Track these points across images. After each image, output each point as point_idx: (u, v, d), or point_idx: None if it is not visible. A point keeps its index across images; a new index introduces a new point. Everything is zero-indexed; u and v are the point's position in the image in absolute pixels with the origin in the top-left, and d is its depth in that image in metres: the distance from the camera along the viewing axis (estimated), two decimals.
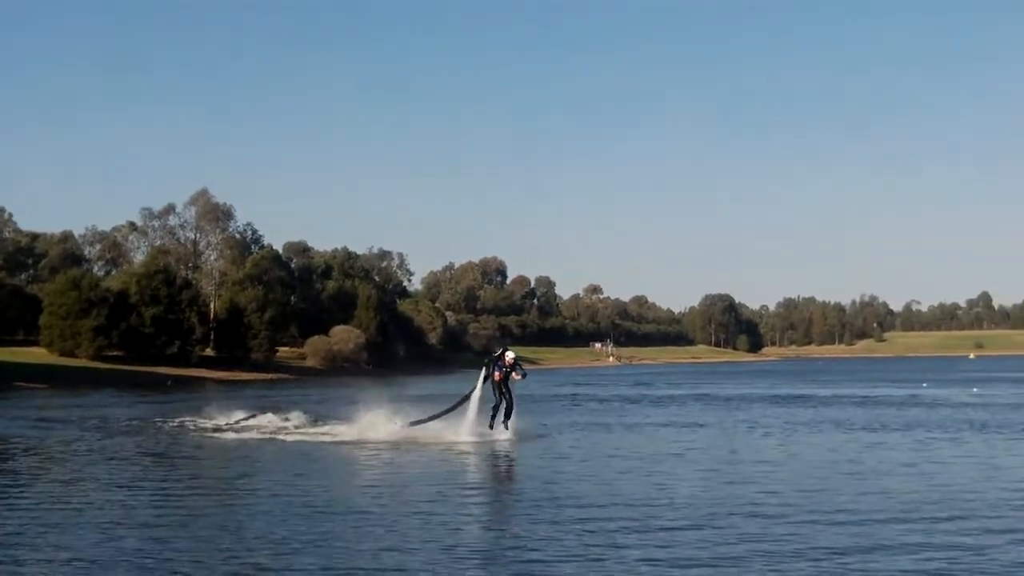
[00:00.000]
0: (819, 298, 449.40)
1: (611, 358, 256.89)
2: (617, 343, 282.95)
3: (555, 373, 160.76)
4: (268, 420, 43.73)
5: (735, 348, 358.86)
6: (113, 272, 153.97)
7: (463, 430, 36.79)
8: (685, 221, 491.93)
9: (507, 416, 36.76)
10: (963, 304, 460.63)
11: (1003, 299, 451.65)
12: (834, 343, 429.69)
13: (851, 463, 29.96)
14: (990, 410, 56.60)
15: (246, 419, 44.27)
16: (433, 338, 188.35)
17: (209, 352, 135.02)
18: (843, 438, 38.71)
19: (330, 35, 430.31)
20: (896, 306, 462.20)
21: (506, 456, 33.33)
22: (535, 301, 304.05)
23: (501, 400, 36.86)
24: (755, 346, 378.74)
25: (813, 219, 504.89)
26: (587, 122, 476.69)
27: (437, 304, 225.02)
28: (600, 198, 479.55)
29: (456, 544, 17.69)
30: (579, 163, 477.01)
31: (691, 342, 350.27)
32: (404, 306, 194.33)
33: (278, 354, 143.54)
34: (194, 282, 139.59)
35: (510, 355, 37.57)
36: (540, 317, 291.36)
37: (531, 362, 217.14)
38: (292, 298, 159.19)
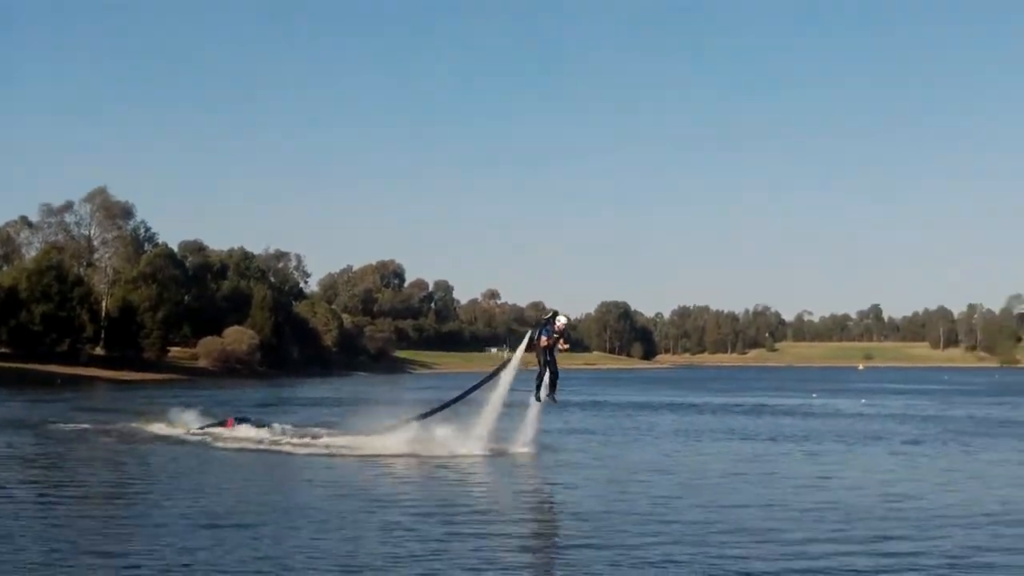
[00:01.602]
0: (713, 307, 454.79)
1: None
2: (514, 348, 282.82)
3: (451, 377, 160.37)
4: (244, 431, 40.93)
5: (630, 355, 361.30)
6: (3, 268, 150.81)
7: (480, 433, 35.01)
8: (582, 227, 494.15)
9: (552, 388, 34.39)
10: (854, 316, 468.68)
11: (893, 311, 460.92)
12: (727, 351, 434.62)
13: (734, 476, 30.46)
14: (877, 420, 57.79)
15: (211, 426, 42.38)
16: (328, 340, 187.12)
17: (99, 351, 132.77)
18: (731, 447, 39.36)
19: (218, 31, 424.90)
20: (788, 316, 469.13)
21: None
22: (433, 305, 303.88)
23: (545, 369, 34.28)
24: (649, 353, 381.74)
25: (708, 228, 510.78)
26: (486, 126, 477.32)
27: (334, 306, 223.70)
28: (499, 203, 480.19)
29: None
30: (478, 167, 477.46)
31: (586, 349, 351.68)
32: (300, 308, 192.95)
33: (170, 354, 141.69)
34: (87, 279, 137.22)
35: (562, 319, 34.70)
36: (437, 321, 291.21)
37: (427, 366, 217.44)
38: (186, 297, 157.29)
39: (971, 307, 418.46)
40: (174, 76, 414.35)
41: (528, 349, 35.46)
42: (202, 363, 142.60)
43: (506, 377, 35.81)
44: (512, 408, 36.19)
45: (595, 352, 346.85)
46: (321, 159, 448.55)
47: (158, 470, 30.19)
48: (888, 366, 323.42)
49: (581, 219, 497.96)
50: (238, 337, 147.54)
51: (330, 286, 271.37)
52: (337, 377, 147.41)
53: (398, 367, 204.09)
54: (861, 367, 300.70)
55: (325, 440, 37.51)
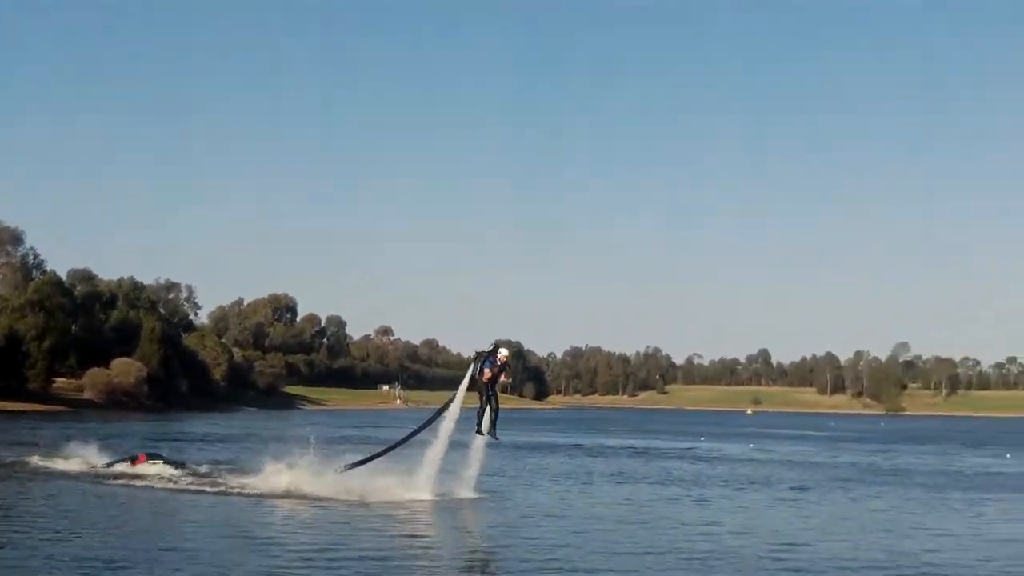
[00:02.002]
0: (605, 348, 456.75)
1: (399, 401, 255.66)
2: (406, 386, 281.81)
3: (342, 415, 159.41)
4: (157, 468, 39.43)
5: (521, 395, 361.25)
6: None
7: (427, 477, 34.08)
8: (476, 266, 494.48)
9: (492, 425, 33.90)
10: (743, 360, 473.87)
11: (781, 357, 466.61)
12: (618, 393, 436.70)
13: (626, 522, 30.49)
14: (765, 466, 58.33)
15: (120, 462, 40.81)
16: (218, 374, 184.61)
17: None
18: (622, 491, 39.41)
19: (107, 62, 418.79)
20: (679, 359, 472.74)
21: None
22: (325, 340, 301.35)
23: (487, 404, 33.83)
24: (541, 394, 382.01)
25: (601, 269, 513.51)
26: (379, 161, 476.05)
27: (224, 339, 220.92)
28: (392, 239, 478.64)
29: None
30: (372, 204, 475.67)
31: None
32: (189, 340, 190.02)
33: (55, 385, 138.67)
34: None
35: (504, 352, 34.27)
36: (329, 357, 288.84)
37: (317, 402, 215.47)
38: (73, 327, 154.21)
39: (858, 354, 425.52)
40: (64, 102, 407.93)
41: (471, 384, 34.72)
42: (88, 395, 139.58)
43: (451, 415, 35.10)
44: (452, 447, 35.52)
45: None
46: (214, 189, 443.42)
47: (54, 509, 29.19)
48: (776, 411, 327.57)
49: (475, 258, 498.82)
50: (125, 369, 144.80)
51: (221, 319, 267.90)
52: (225, 412, 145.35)
53: (288, 403, 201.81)
54: (750, 411, 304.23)
55: (245, 481, 36.21)
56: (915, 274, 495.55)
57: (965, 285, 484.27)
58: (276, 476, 35.35)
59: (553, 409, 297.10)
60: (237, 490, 34.50)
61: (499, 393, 34.33)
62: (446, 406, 35.67)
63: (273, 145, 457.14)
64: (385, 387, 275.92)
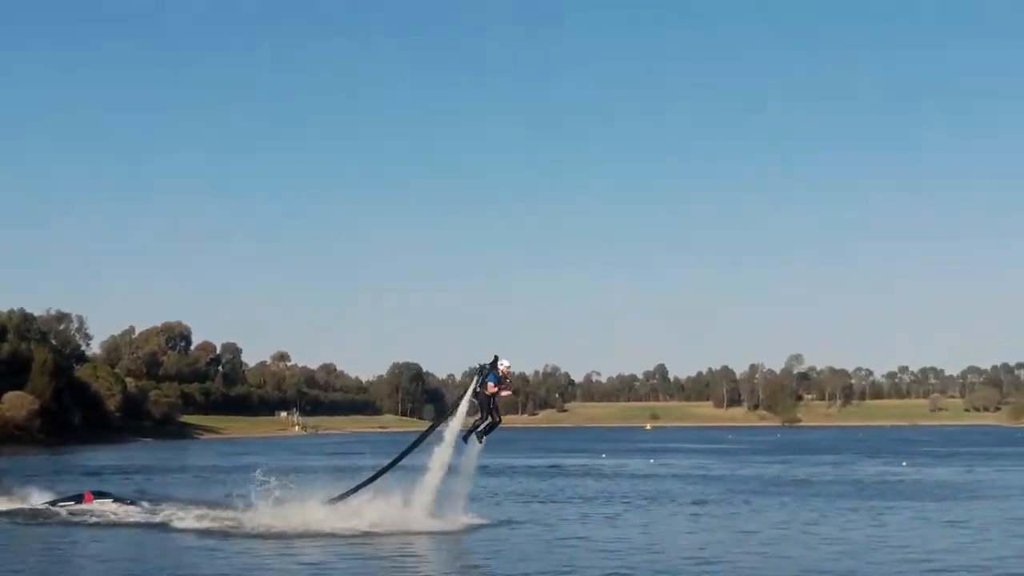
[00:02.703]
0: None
1: (297, 427, 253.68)
2: (304, 412, 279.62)
3: (240, 443, 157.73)
4: (107, 507, 37.55)
5: (422, 417, 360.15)
6: None
7: (426, 504, 33.21)
8: (373, 289, 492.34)
9: (486, 433, 33.14)
10: (641, 376, 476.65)
11: (678, 371, 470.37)
12: (518, 413, 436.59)
13: (536, 541, 30.50)
14: (667, 480, 58.78)
15: (64, 501, 38.80)
16: (112, 405, 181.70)
17: None
18: (528, 510, 39.42)
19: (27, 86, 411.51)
20: (577, 377, 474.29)
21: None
22: (220, 368, 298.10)
23: (487, 416, 33.03)
24: (441, 415, 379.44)
25: (497, 288, 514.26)
26: (273, 189, 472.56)
27: (117, 370, 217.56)
28: (288, 264, 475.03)
29: None
30: (265, 227, 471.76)
31: (378, 411, 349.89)
32: (82, 371, 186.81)
33: None
34: None
35: (505, 363, 33.42)
36: (225, 384, 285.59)
37: (214, 431, 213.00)
38: None
39: (753, 367, 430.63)
40: None
41: (474, 398, 33.80)
42: None
43: (449, 436, 34.08)
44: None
45: (387, 415, 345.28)
46: (103, 216, 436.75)
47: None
48: (674, 425, 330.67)
49: (372, 281, 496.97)
50: (17, 403, 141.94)
51: (113, 349, 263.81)
52: (120, 444, 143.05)
53: (184, 433, 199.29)
54: (649, 427, 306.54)
55: (232, 518, 34.51)
56: (807, 286, 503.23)
57: (856, 296, 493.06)
58: (271, 511, 33.68)
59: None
60: (233, 528, 32.83)
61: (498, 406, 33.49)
62: (432, 428, 35.19)
63: (161, 173, 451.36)
64: (283, 414, 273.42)
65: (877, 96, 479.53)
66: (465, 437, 33.41)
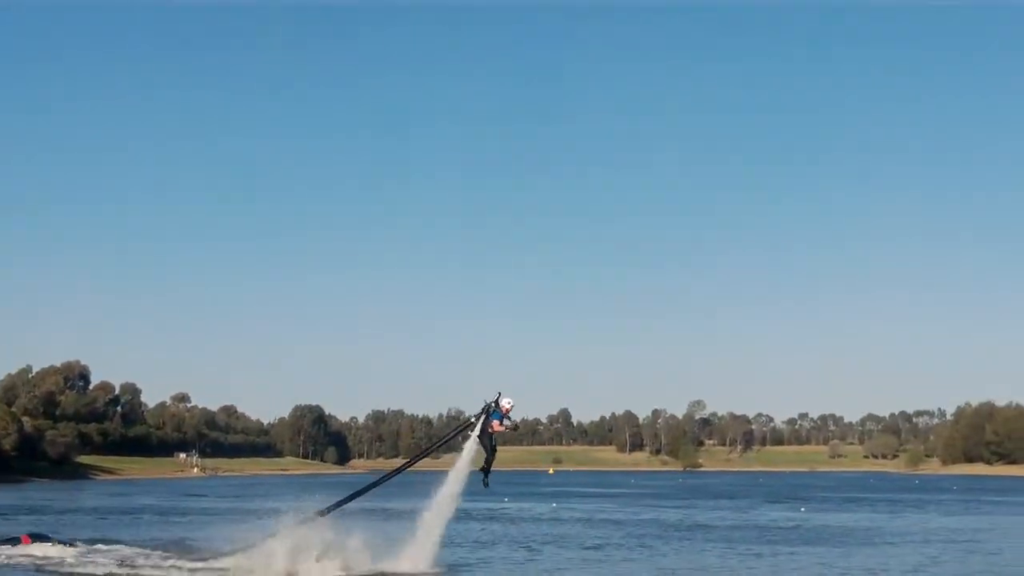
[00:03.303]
0: (408, 411, 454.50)
1: (196, 469, 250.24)
2: (203, 454, 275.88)
3: (137, 484, 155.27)
4: (46, 549, 36.50)
5: (323, 460, 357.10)
6: None
7: (429, 548, 33.19)
8: (275, 329, 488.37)
9: (486, 473, 33.25)
10: (544, 420, 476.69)
11: (581, 416, 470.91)
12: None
13: None
14: (567, 525, 58.75)
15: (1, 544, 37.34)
16: (7, 445, 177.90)
17: None
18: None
19: None
20: None
21: None
22: (119, 408, 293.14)
23: (491, 454, 33.49)
24: (343, 458, 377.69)
25: (401, 332, 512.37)
26: (172, 229, 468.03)
27: (13, 409, 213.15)
28: (187, 304, 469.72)
29: None
30: (165, 266, 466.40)
31: (279, 453, 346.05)
32: None
33: None
34: None
35: (508, 401, 33.77)
36: (124, 425, 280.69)
37: (112, 472, 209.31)
38: None
39: (655, 412, 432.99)
40: None
41: (479, 436, 34.01)
42: None
43: (459, 477, 34.53)
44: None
45: (288, 457, 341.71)
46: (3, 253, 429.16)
47: None
48: (577, 469, 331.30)
49: (275, 322, 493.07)
50: None
51: (10, 387, 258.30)
52: (16, 484, 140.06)
53: (81, 473, 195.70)
54: (551, 471, 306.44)
55: (225, 562, 34.07)
56: (709, 333, 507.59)
57: (757, 343, 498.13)
58: (275, 553, 33.45)
59: (355, 474, 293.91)
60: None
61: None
62: (415, 460, 36.56)
63: (59, 210, 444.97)
64: (182, 455, 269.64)
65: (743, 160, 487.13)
66: (485, 483, 34.06)
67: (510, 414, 33.73)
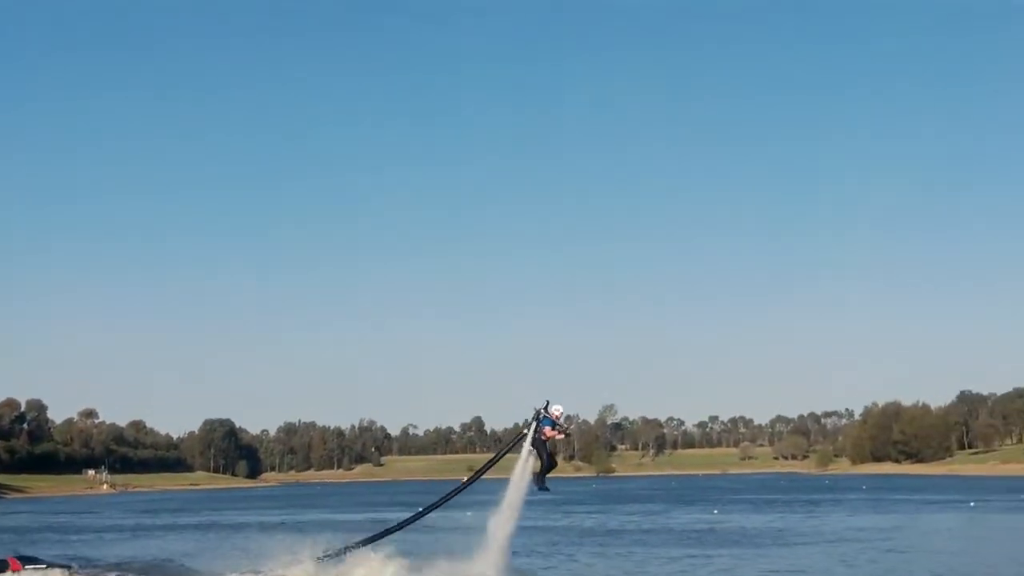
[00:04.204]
0: (319, 422, 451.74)
1: (105, 485, 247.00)
2: (113, 470, 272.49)
3: (47, 502, 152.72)
4: (44, 573, 34.65)
5: (234, 474, 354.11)
6: None
7: (498, 555, 32.80)
8: (184, 342, 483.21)
9: (543, 477, 33.27)
10: (457, 428, 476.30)
11: (494, 423, 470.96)
12: (334, 468, 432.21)
13: None
14: (484, 533, 58.60)
15: None
16: None
17: None
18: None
19: None
20: (394, 430, 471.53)
21: None
22: (25, 425, 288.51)
23: (547, 460, 33.35)
24: (255, 471, 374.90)
25: (311, 344, 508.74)
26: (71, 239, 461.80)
27: None
28: (94, 317, 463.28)
29: None
30: (67, 280, 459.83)
31: (190, 468, 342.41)
32: None
33: None
34: None
35: (558, 408, 33.74)
36: (30, 442, 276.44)
37: (19, 491, 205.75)
38: None
39: (568, 418, 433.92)
40: None
41: (532, 444, 33.70)
42: None
43: (519, 485, 33.96)
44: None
45: (199, 472, 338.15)
46: None
47: None
48: (491, 477, 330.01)
49: (182, 334, 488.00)
50: None
51: None
52: None
53: None
54: (465, 480, 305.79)
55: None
56: (620, 337, 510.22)
57: (667, 348, 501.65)
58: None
59: (267, 487, 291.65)
60: None
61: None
62: (475, 477, 35.57)
63: None
64: (91, 472, 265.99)
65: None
66: (540, 486, 33.66)
67: (560, 419, 33.67)
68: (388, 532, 34.81)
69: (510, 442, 35.38)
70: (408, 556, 33.37)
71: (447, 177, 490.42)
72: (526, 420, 33.78)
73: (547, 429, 32.98)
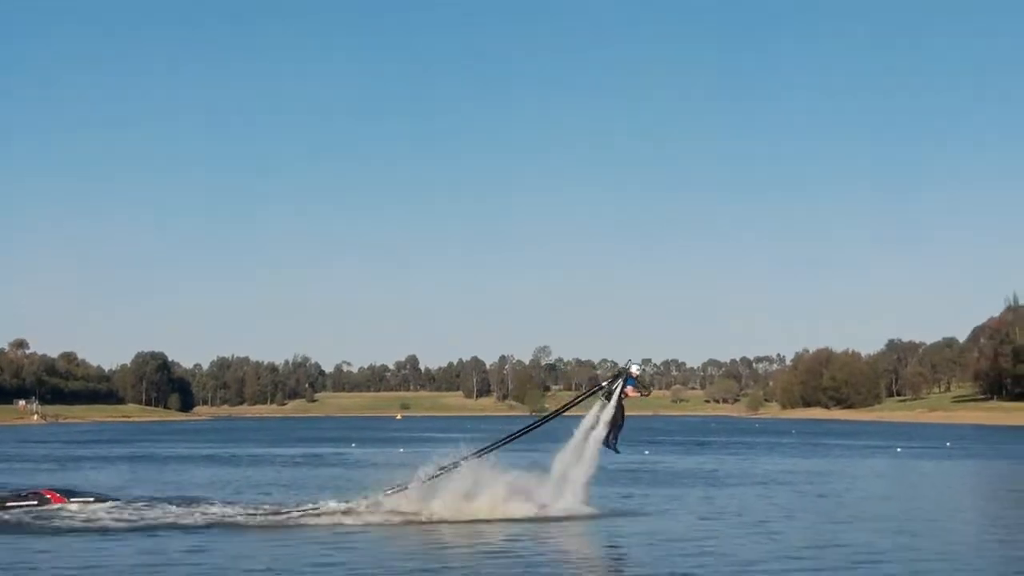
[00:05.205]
0: (253, 358, 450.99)
1: (36, 416, 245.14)
2: (44, 401, 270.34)
3: None
4: (88, 508, 31.19)
5: (167, 407, 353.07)
6: None
7: (578, 489, 33.58)
8: (117, 275, 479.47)
9: (615, 438, 34.24)
10: (392, 366, 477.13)
11: (429, 362, 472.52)
12: (267, 403, 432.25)
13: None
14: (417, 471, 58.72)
15: (17, 501, 31.47)
16: None
17: None
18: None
19: None
20: (328, 367, 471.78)
21: None
22: None
23: (623, 419, 34.25)
24: (187, 405, 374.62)
25: (246, 278, 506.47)
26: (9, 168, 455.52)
27: None
28: (25, 249, 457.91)
29: None
30: (4, 208, 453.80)
31: (121, 400, 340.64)
32: None
33: None
34: None
35: (637, 366, 35.44)
36: None
37: None
38: None
39: (502, 359, 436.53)
40: None
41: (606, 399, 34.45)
42: None
43: (597, 435, 34.41)
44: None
45: (131, 404, 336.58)
46: None
47: None
48: (425, 415, 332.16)
49: (115, 269, 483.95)
50: None
51: None
52: None
53: None
54: (399, 416, 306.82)
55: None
56: (555, 280, 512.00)
57: (601, 290, 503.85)
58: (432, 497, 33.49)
59: (199, 420, 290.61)
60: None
61: None
62: (555, 415, 36.55)
63: None
64: (21, 403, 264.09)
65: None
66: (612, 446, 34.48)
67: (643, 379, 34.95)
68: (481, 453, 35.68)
69: (589, 391, 36.58)
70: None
71: (384, 115, 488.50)
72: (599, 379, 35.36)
73: (630, 389, 33.90)
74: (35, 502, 31.37)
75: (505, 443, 36.01)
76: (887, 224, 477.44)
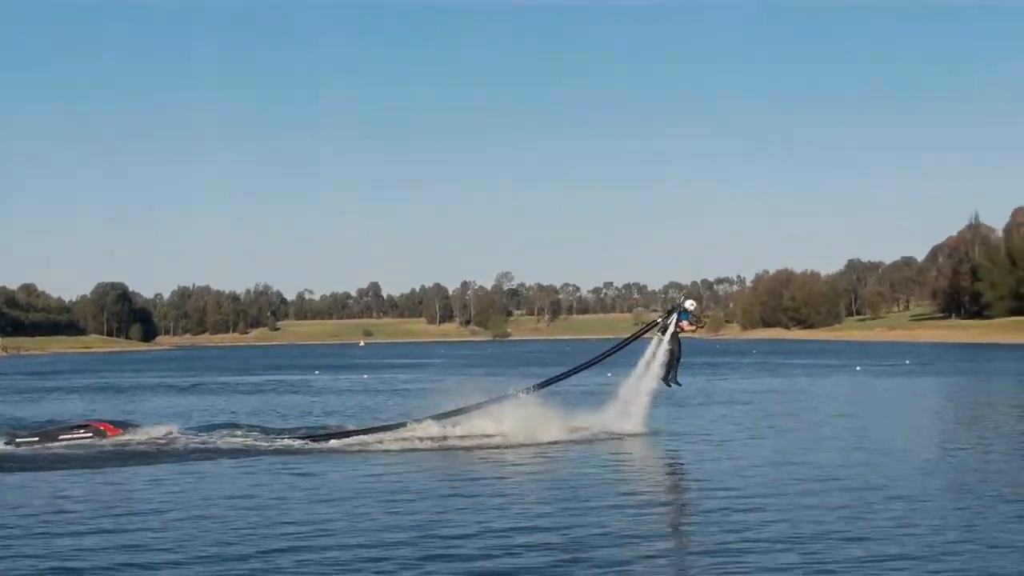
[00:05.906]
0: (214, 287, 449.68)
1: None
2: (4, 333, 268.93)
3: None
4: (154, 432, 30.76)
5: (128, 338, 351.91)
6: None
7: (641, 411, 34.22)
8: (75, 205, 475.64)
9: (674, 372, 34.63)
10: (354, 293, 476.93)
11: (391, 289, 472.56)
12: (229, 332, 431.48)
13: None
14: (382, 396, 59.14)
15: (68, 432, 29.94)
16: None
17: None
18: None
19: None
20: (290, 295, 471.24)
21: None
22: None
23: (680, 352, 34.56)
24: (149, 335, 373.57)
25: (206, 207, 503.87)
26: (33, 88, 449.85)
27: None
28: None
29: None
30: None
31: (83, 332, 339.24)
32: None
33: None
34: None
35: (691, 303, 35.80)
36: None
37: None
38: None
39: (464, 284, 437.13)
40: None
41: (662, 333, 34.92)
42: None
43: (657, 362, 34.66)
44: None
45: (92, 335, 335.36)
46: None
47: None
48: (388, 342, 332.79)
49: (74, 198, 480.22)
50: None
51: None
52: None
53: None
54: (362, 343, 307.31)
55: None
56: (515, 205, 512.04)
57: (563, 216, 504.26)
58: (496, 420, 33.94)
59: (162, 350, 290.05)
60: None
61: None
62: (620, 347, 36.98)
63: None
64: None
65: None
66: (668, 381, 34.82)
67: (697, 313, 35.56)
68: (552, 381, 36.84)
69: (647, 326, 37.51)
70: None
71: (346, 42, 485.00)
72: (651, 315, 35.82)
73: (684, 323, 34.30)
74: (88, 435, 29.73)
75: (567, 376, 37.66)
76: (847, 144, 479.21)
